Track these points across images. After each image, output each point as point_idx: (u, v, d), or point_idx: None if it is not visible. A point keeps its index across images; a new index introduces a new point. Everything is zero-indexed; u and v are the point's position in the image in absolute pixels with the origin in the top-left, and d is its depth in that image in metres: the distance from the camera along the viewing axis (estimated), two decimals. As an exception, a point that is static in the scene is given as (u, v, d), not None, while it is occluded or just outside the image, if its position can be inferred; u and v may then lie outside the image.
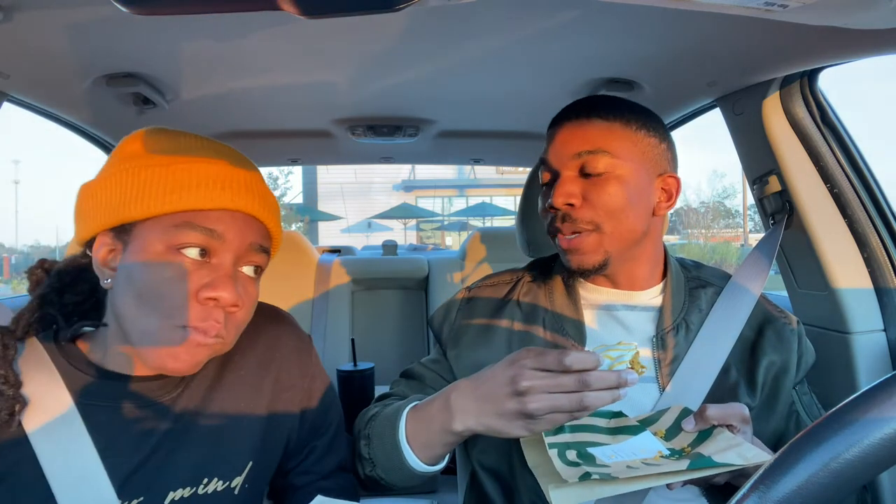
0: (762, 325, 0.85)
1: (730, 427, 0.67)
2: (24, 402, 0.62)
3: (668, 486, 0.62)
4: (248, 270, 0.69)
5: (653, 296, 0.86)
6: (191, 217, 0.63)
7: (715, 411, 0.68)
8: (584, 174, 0.80)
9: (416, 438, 0.72)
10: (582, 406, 0.60)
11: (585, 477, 0.59)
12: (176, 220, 0.63)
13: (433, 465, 0.74)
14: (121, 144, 0.69)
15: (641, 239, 0.83)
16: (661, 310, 0.84)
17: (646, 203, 0.82)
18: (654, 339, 0.82)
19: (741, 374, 0.81)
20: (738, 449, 0.62)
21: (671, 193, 0.84)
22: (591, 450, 0.66)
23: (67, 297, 0.72)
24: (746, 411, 0.69)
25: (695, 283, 0.89)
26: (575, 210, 0.79)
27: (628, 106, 0.83)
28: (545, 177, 0.85)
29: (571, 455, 0.65)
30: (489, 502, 0.84)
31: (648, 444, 0.68)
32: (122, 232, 0.65)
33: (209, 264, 0.64)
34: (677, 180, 0.85)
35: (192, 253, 0.63)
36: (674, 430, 0.70)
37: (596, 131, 0.80)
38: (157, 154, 0.66)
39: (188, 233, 0.63)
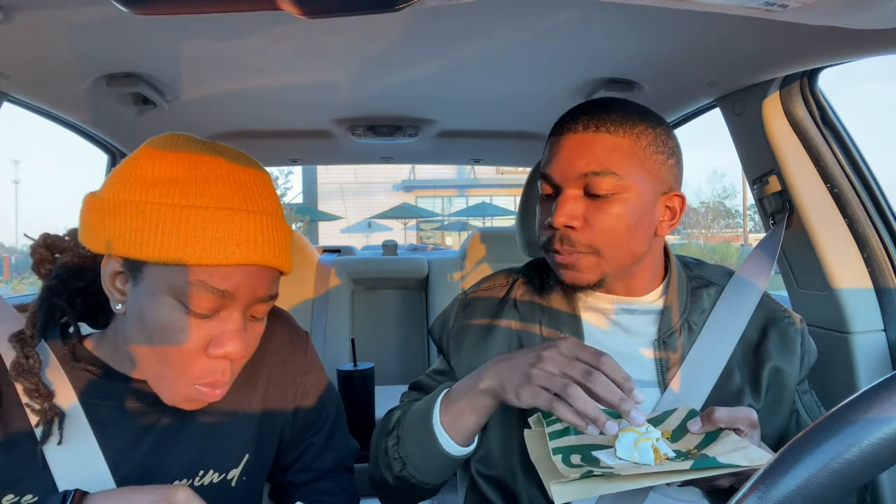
0: (766, 326, 0.84)
1: (737, 431, 0.66)
2: (59, 413, 0.64)
3: (668, 483, 0.61)
4: (256, 314, 0.68)
5: (653, 298, 0.84)
6: (204, 275, 0.60)
7: (723, 414, 0.66)
8: (587, 194, 0.76)
9: (446, 414, 0.75)
10: (567, 394, 0.62)
11: (587, 475, 0.60)
12: (188, 276, 0.60)
13: (464, 445, 0.75)
14: (136, 160, 0.64)
15: (642, 258, 0.81)
16: (662, 312, 0.83)
17: (648, 224, 0.78)
18: (656, 342, 0.81)
19: (745, 377, 0.80)
20: (745, 451, 0.61)
21: (675, 212, 0.81)
22: (595, 453, 0.65)
23: (73, 283, 0.71)
24: (755, 415, 0.68)
25: (696, 283, 0.87)
26: (574, 232, 0.76)
27: (639, 114, 0.78)
28: (545, 189, 0.81)
29: (576, 459, 0.64)
30: None
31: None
32: (134, 267, 0.62)
33: (218, 317, 0.63)
34: (682, 199, 0.81)
35: (203, 312, 0.62)
36: (680, 432, 0.69)
37: (604, 149, 0.75)
38: (173, 185, 0.61)
39: (199, 293, 0.61)
